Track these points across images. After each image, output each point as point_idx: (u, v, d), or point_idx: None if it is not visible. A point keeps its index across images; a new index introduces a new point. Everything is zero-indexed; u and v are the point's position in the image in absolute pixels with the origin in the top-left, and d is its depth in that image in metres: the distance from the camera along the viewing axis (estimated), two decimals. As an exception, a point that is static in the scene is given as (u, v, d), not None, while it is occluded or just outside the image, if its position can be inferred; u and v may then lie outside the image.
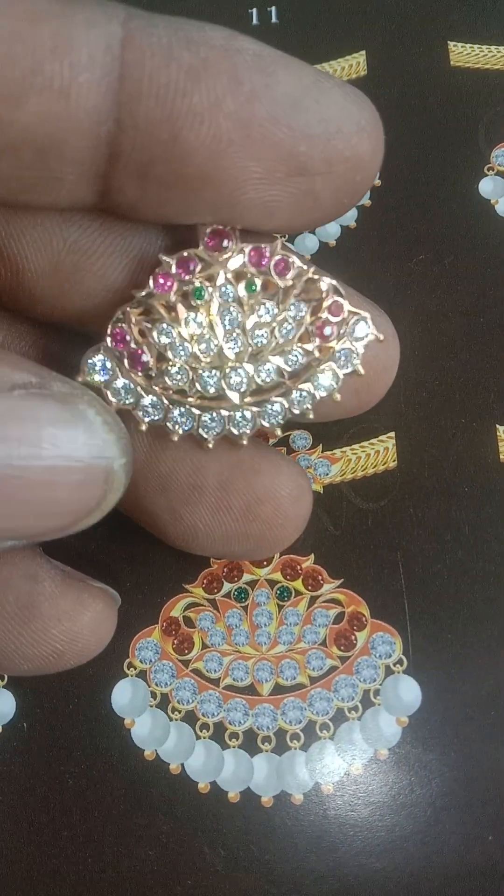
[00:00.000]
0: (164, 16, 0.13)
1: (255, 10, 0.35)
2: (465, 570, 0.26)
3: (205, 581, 0.27)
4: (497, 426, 0.28)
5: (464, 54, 0.34)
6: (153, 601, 0.27)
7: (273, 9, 0.35)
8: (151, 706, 0.25)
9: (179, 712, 0.25)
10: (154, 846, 0.24)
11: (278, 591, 0.27)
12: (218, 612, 0.26)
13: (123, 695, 0.26)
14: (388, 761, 0.25)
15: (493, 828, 0.24)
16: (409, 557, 0.27)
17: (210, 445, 0.16)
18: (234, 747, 0.25)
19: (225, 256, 0.15)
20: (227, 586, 0.27)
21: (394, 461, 0.28)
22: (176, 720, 0.25)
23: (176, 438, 0.16)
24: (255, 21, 0.35)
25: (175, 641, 0.26)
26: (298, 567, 0.27)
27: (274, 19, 0.35)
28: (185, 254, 0.15)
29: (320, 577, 0.27)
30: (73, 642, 0.17)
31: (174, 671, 0.26)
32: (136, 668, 0.26)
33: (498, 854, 0.24)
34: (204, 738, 0.25)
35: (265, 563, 0.27)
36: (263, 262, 0.15)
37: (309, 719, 0.25)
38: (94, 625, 0.17)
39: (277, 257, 0.15)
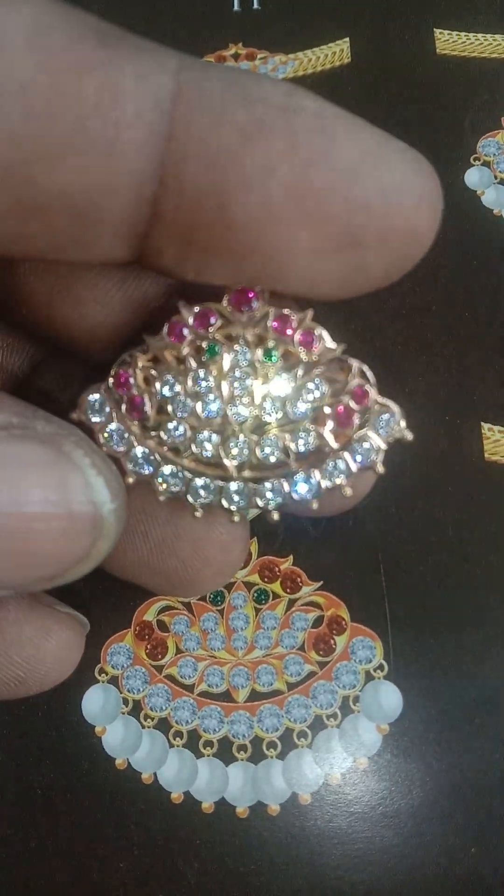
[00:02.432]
0: (220, 65, 0.12)
1: (237, -3, 0.34)
2: (448, 572, 0.25)
3: (180, 583, 0.26)
4: (483, 423, 0.27)
5: (450, 42, 0.33)
6: (125, 604, 0.26)
7: (255, -5, 0.34)
8: (123, 713, 0.25)
9: (152, 720, 0.24)
10: (125, 858, 0.23)
11: (255, 594, 0.26)
12: (193, 615, 0.26)
13: (95, 701, 0.25)
14: (367, 770, 0.24)
15: (476, 839, 0.23)
16: (391, 559, 0.26)
17: (198, 514, 0.15)
18: (208, 756, 0.24)
19: (247, 317, 0.14)
20: (203, 589, 0.26)
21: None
22: (148, 728, 0.24)
23: (162, 499, 0.15)
24: (236, 7, 0.34)
25: (148, 646, 0.25)
26: (277, 569, 0.26)
27: (255, 5, 0.34)
28: (206, 307, 0.14)
29: (299, 580, 0.26)
30: (36, 669, 0.16)
31: (147, 677, 0.25)
32: (107, 674, 0.25)
33: (482, 867, 0.23)
34: (177, 746, 0.24)
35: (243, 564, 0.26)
36: (288, 332, 0.14)
37: (286, 727, 0.24)
38: (58, 652, 0.16)
39: (304, 330, 0.14)
